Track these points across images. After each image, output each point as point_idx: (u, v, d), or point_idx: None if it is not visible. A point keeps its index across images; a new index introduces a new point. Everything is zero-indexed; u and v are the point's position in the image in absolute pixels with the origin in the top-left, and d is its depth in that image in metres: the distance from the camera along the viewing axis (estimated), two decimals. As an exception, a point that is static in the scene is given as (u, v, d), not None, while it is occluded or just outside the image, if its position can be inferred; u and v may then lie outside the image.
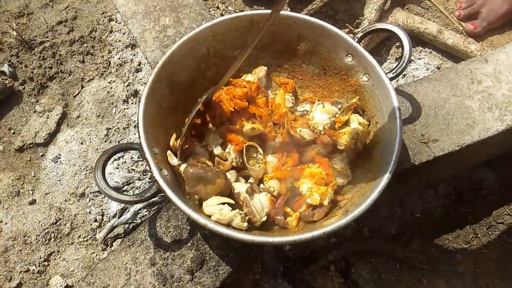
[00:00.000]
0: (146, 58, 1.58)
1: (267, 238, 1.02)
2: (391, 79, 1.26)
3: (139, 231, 1.29)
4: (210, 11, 1.84)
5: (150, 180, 1.67)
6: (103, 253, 1.64)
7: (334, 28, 1.31)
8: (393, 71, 1.29)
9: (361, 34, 1.35)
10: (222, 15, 2.06)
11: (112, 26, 2.06)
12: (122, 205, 1.64)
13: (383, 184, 1.09)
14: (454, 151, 1.39)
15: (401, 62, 1.28)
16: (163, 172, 1.14)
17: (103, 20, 2.08)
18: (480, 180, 1.70)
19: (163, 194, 1.08)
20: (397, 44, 2.04)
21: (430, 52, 2.04)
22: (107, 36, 2.05)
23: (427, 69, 1.96)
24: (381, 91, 1.25)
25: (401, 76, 1.80)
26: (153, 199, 1.50)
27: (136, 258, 1.25)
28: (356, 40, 1.32)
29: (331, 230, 1.03)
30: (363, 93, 1.33)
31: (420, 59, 2.00)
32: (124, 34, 2.01)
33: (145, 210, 1.64)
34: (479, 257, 1.65)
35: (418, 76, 1.93)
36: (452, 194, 1.71)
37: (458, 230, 1.69)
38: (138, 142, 1.15)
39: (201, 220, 1.04)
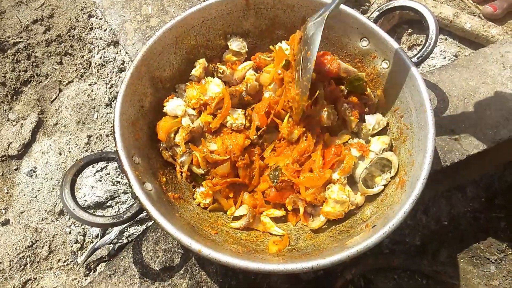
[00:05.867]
0: (127, 53, 1.37)
1: (278, 265, 0.81)
2: (416, 64, 1.05)
3: (121, 257, 1.08)
4: (201, 0, 1.64)
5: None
6: (85, 279, 1.43)
7: (345, 7, 1.10)
8: (418, 55, 1.09)
9: (377, 13, 1.15)
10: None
11: (92, 23, 1.86)
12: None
13: (417, 191, 0.89)
14: (490, 148, 1.19)
15: (427, 44, 1.09)
16: (146, 186, 0.94)
17: (83, 17, 1.89)
18: (514, 180, 1.51)
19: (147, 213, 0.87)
20: (409, 31, 1.84)
21: (446, 39, 1.84)
22: (87, 34, 1.85)
23: (444, 57, 1.76)
24: (405, 79, 1.05)
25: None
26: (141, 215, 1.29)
27: (119, 291, 1.04)
28: (372, 20, 1.12)
29: (357, 252, 0.83)
30: (382, 83, 1.13)
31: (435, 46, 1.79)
32: (105, 30, 1.81)
33: (133, 228, 1.43)
34: (516, 267, 1.44)
35: (435, 65, 1.73)
36: (482, 197, 1.51)
37: (490, 238, 1.49)
38: (115, 150, 0.94)
39: (194, 245, 0.83)
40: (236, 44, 1.19)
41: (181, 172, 1.12)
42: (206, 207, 1.10)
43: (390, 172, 1.02)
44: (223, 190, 1.08)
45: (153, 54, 1.08)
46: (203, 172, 1.11)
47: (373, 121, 1.11)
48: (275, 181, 1.05)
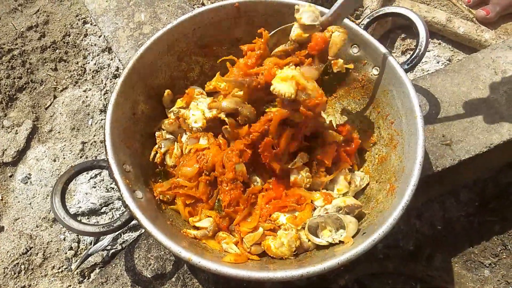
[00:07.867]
0: (120, 60, 1.38)
1: (267, 273, 0.81)
2: (406, 71, 1.06)
3: (113, 265, 1.08)
4: (194, 7, 1.64)
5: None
6: (80, 286, 1.43)
7: (336, 14, 1.10)
8: (408, 61, 1.09)
9: (368, 20, 1.16)
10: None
11: (87, 29, 1.87)
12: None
13: (406, 198, 0.89)
14: (482, 153, 1.19)
15: (417, 50, 1.09)
16: (136, 194, 0.94)
17: (77, 23, 1.90)
18: (507, 184, 1.50)
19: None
20: (403, 36, 1.85)
21: (439, 43, 1.85)
22: (82, 40, 1.86)
23: (438, 62, 1.77)
24: (395, 85, 1.05)
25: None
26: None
27: (111, 298, 1.04)
28: (362, 27, 1.13)
29: (347, 259, 0.83)
30: (373, 89, 1.13)
31: (429, 51, 1.80)
32: (100, 37, 1.81)
33: (127, 234, 1.43)
34: (510, 271, 1.44)
35: (428, 70, 1.73)
36: (476, 201, 1.51)
37: (484, 242, 1.49)
38: (106, 158, 0.94)
39: (184, 253, 0.83)
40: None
41: (156, 152, 1.10)
42: (166, 201, 1.05)
43: (341, 235, 0.96)
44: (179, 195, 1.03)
45: (144, 62, 1.08)
46: (172, 164, 1.09)
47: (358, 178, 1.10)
48: (220, 211, 1.01)
